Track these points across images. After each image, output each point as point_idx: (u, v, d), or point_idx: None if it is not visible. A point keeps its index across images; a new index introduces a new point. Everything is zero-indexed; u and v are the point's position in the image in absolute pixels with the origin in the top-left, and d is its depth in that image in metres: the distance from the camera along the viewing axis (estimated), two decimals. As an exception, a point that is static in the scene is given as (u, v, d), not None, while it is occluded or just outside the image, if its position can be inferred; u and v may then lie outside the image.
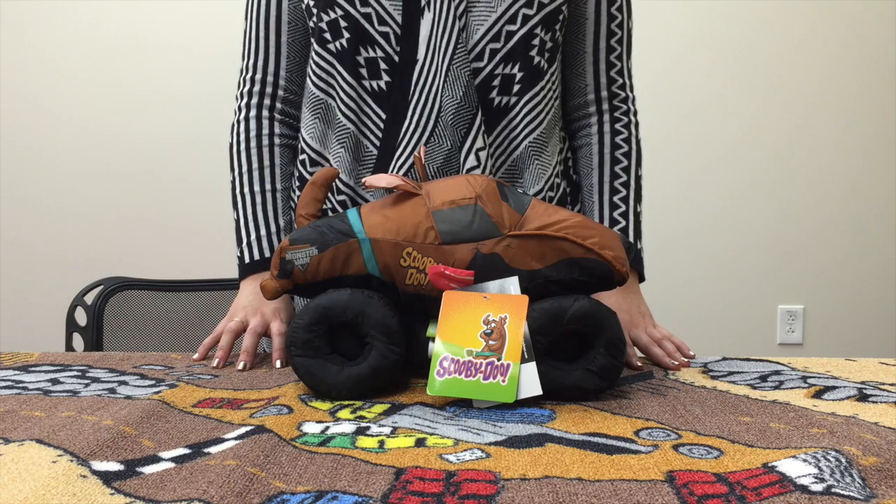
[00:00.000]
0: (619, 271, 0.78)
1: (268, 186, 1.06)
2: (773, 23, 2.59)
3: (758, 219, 2.64)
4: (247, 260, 1.04)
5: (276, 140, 1.08)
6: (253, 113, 1.08)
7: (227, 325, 0.97)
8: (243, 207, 1.06)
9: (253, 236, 1.04)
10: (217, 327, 0.98)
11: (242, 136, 1.08)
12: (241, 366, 0.90)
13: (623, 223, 1.04)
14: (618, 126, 1.08)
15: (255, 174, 1.06)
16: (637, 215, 1.05)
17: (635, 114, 1.10)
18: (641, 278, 1.04)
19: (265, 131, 1.07)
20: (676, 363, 0.91)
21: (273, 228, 1.05)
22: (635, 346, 0.97)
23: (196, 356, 0.94)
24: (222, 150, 2.52)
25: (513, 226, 0.78)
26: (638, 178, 1.07)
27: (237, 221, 1.06)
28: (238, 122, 1.09)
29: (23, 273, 2.58)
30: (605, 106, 1.08)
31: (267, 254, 1.04)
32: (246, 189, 1.06)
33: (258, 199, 1.05)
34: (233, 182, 1.08)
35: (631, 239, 1.03)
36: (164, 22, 2.54)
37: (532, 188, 1.02)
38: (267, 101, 1.08)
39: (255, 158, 1.06)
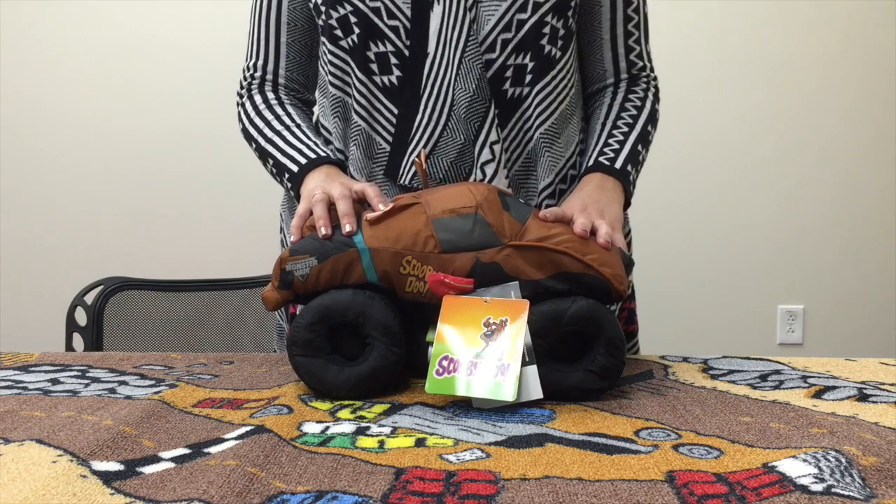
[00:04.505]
0: (616, 289, 0.78)
1: (289, 122, 1.03)
2: (774, 22, 2.59)
3: (758, 219, 2.64)
4: (295, 169, 0.97)
5: (286, 100, 1.07)
6: (256, 90, 1.08)
7: (311, 201, 0.86)
8: (275, 147, 1.01)
9: (296, 150, 0.99)
10: (299, 209, 0.87)
11: (250, 108, 1.06)
12: (347, 228, 0.80)
13: (616, 147, 0.99)
14: (631, 95, 1.06)
15: (275, 123, 1.03)
16: (635, 150, 1.00)
17: (656, 89, 1.08)
18: (628, 204, 1.00)
19: (271, 97, 1.07)
20: (582, 231, 0.79)
21: (312, 143, 1.00)
22: (566, 213, 0.84)
23: (293, 237, 0.84)
24: (223, 150, 2.51)
25: (513, 235, 0.78)
26: (645, 130, 1.03)
27: (274, 160, 1.00)
28: (241, 104, 1.08)
29: (23, 273, 2.58)
30: (623, 83, 1.07)
31: (312, 155, 0.97)
32: (270, 135, 1.02)
33: (286, 132, 1.02)
34: (257, 148, 1.03)
35: (619, 165, 0.98)
36: (164, 20, 2.53)
37: (544, 180, 1.00)
38: (269, 86, 1.08)
39: (269, 115, 1.04)
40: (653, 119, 1.05)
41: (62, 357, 0.96)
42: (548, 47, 0.98)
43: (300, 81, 1.09)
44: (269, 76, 1.07)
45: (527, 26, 0.96)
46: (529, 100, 0.98)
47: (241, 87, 1.10)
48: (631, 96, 1.06)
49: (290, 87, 1.08)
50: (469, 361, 0.73)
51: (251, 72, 1.09)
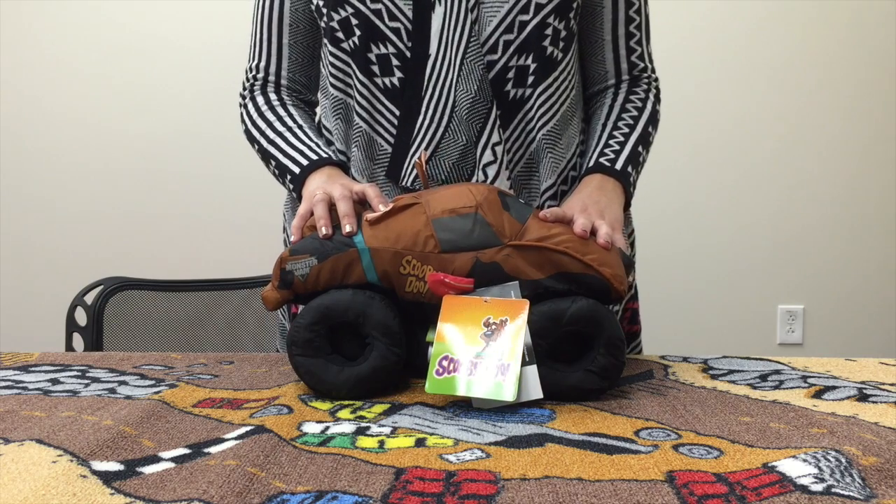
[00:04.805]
0: (616, 289, 0.78)
1: (291, 123, 1.03)
2: (774, 22, 2.59)
3: (757, 219, 2.64)
4: (297, 171, 0.97)
5: (288, 101, 1.07)
6: (258, 91, 1.08)
7: (311, 202, 0.85)
8: (278, 148, 1.01)
9: (298, 151, 0.99)
10: (300, 210, 0.86)
11: (252, 109, 1.06)
12: (348, 228, 0.80)
13: (616, 148, 0.99)
14: (632, 96, 1.06)
15: (277, 124, 1.03)
16: (635, 151, 1.00)
17: (657, 90, 1.08)
18: (628, 204, 1.00)
19: (273, 98, 1.07)
20: (582, 231, 0.79)
21: (314, 144, 1.00)
22: (566, 213, 0.84)
23: (293, 238, 0.84)
24: (224, 150, 2.51)
25: (513, 235, 0.78)
26: (646, 131, 1.03)
27: (276, 161, 1.00)
28: (244, 105, 1.08)
29: (23, 273, 2.58)
30: (625, 84, 1.07)
31: (314, 157, 0.98)
32: (272, 136, 1.02)
33: (288, 134, 1.02)
34: (259, 149, 1.04)
35: (619, 166, 0.98)
36: (164, 20, 2.53)
37: (546, 181, 1.00)
38: (271, 87, 1.08)
39: (271, 116, 1.04)
40: (654, 120, 1.05)
41: (62, 357, 0.96)
42: (550, 48, 0.98)
43: (302, 82, 1.09)
44: (272, 77, 1.08)
45: (529, 27, 0.96)
46: (532, 101, 0.98)
47: (244, 88, 1.10)
48: (632, 97, 1.06)
49: (292, 88, 1.08)
50: (469, 361, 0.73)
51: (254, 73, 1.09)
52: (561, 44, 0.99)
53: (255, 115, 1.06)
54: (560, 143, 1.01)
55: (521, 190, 1.01)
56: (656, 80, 1.09)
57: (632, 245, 1.11)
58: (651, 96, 1.07)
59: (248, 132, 1.06)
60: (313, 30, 1.06)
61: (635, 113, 1.04)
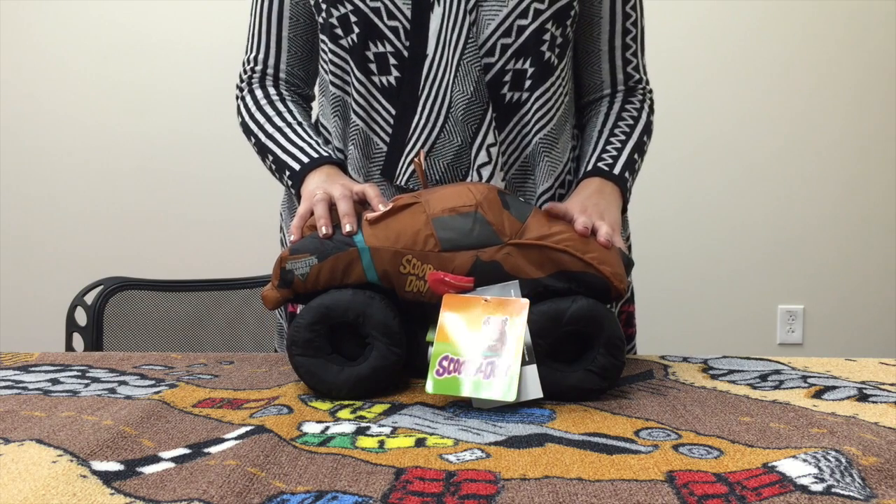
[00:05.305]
0: (616, 288, 0.78)
1: (290, 119, 1.03)
2: (774, 22, 2.59)
3: (757, 218, 2.64)
4: (296, 168, 0.97)
5: (287, 96, 1.07)
6: (256, 85, 1.08)
7: (311, 201, 0.86)
8: (276, 144, 1.01)
9: (297, 148, 0.99)
10: (300, 210, 0.87)
11: (251, 102, 1.06)
12: (348, 228, 0.80)
13: (614, 153, 1.00)
14: (628, 106, 1.07)
15: (276, 119, 1.03)
16: (632, 158, 1.01)
17: (651, 101, 1.09)
18: (624, 209, 1.00)
19: (272, 92, 1.07)
20: (583, 228, 0.80)
21: (314, 142, 1.01)
22: (567, 213, 0.85)
23: (293, 237, 0.84)
24: (223, 150, 2.51)
25: (514, 234, 0.78)
26: (641, 140, 1.04)
27: (274, 156, 1.01)
28: (241, 98, 1.08)
29: (23, 273, 2.58)
30: (620, 93, 1.08)
31: (314, 154, 0.98)
32: (271, 130, 1.02)
33: (288, 130, 1.02)
34: (256, 143, 1.04)
35: (617, 171, 0.99)
36: (164, 19, 2.53)
37: (543, 184, 1.01)
38: (269, 80, 1.08)
39: (270, 111, 1.04)
40: (648, 130, 1.07)
41: (62, 357, 0.96)
42: (547, 54, 0.98)
43: (300, 77, 1.09)
44: (270, 70, 1.08)
45: (527, 32, 0.96)
46: (528, 105, 0.99)
47: (241, 81, 1.10)
48: (627, 106, 1.07)
49: (290, 83, 1.08)
50: (469, 361, 0.73)
51: (251, 65, 1.09)
52: (557, 50, 1.00)
53: (253, 109, 1.06)
54: (556, 148, 1.02)
55: (516, 192, 1.01)
56: (650, 91, 1.11)
57: (629, 249, 1.11)
58: (646, 107, 1.08)
59: (244, 124, 1.06)
60: (313, 24, 1.06)
61: (631, 122, 1.06)
